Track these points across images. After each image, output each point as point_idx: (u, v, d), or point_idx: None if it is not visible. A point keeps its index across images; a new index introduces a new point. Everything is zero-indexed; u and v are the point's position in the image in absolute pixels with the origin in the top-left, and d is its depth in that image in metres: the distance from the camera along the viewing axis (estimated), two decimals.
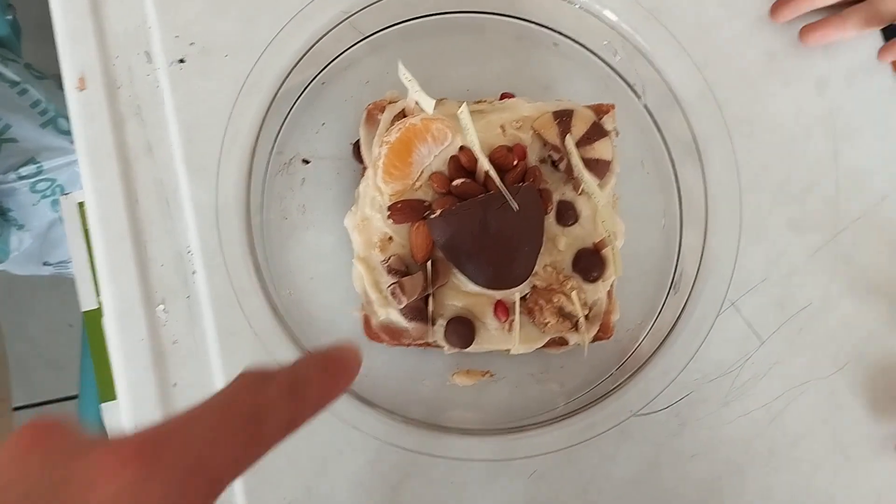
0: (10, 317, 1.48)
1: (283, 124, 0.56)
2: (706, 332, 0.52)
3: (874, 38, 0.63)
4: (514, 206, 0.50)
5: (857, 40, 0.62)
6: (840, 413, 0.59)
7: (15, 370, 1.46)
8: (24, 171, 0.87)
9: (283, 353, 0.51)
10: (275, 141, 0.56)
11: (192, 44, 0.58)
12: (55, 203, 0.92)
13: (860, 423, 0.59)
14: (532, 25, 0.58)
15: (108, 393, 0.66)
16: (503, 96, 0.57)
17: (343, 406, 0.51)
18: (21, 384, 1.47)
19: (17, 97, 0.86)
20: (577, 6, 0.55)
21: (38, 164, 0.88)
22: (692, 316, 0.53)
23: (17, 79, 0.86)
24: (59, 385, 1.48)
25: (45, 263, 1.04)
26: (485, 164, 0.51)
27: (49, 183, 0.90)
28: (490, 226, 0.50)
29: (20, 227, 0.94)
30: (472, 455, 0.52)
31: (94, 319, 0.60)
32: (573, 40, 0.58)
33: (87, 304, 0.69)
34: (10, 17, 0.89)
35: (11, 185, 0.89)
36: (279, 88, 0.53)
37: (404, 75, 0.49)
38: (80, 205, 0.71)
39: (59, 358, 1.48)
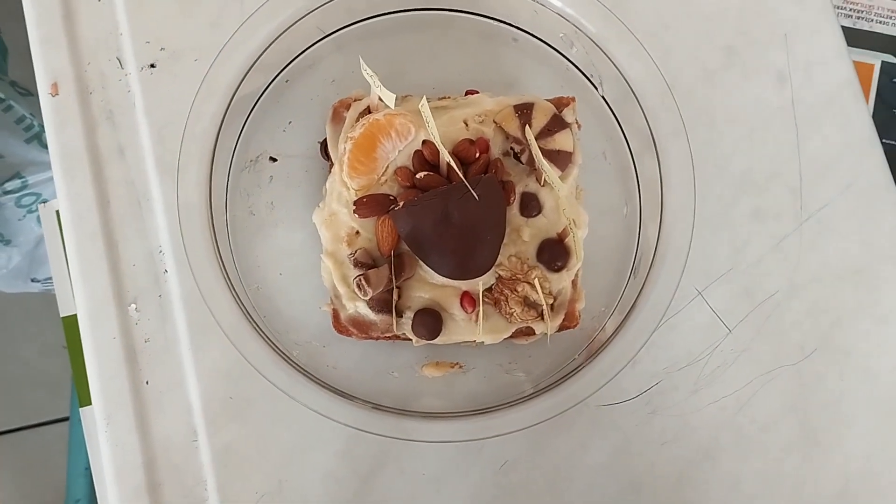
0: (2, 337, 1.48)
1: (245, 122, 0.57)
2: (661, 316, 0.53)
3: (834, 30, 0.64)
4: (475, 196, 0.51)
5: (817, 32, 0.63)
6: (808, 399, 0.59)
7: (6, 392, 1.47)
8: (9, 185, 0.89)
9: (250, 349, 0.52)
10: (237, 139, 0.57)
11: (162, 49, 0.60)
12: (41, 218, 0.93)
13: (828, 409, 0.59)
14: (493, 22, 0.59)
15: (86, 398, 0.66)
16: (468, 93, 0.58)
17: (313, 397, 0.52)
18: (13, 406, 1.47)
19: (1, 114, 0.88)
20: (534, 1, 0.57)
21: (23, 179, 0.89)
22: (648, 300, 0.53)
23: (1, 96, 0.87)
24: (52, 407, 1.48)
25: (33, 280, 1.05)
26: (446, 156, 0.51)
27: (34, 197, 0.92)
28: (452, 216, 0.51)
29: (7, 242, 0.96)
30: (440, 437, 0.52)
31: (72, 325, 0.61)
32: (532, 34, 0.59)
33: (66, 310, 0.70)
34: None
35: None
36: (238, 86, 0.55)
37: (366, 71, 0.50)
38: (58, 212, 0.72)
39: (50, 380, 1.48)
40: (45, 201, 0.91)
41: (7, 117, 0.88)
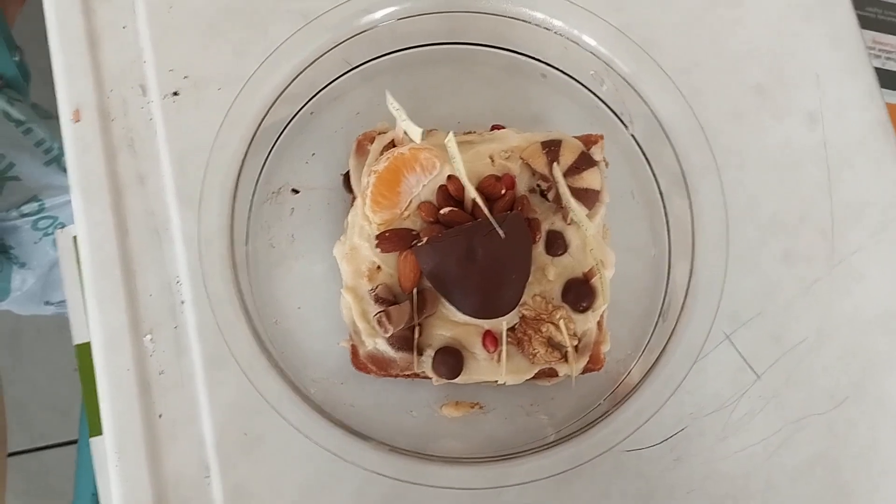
0: (13, 359, 1.47)
1: (269, 154, 0.57)
2: (692, 362, 0.51)
3: (866, 71, 0.63)
4: (501, 233, 0.50)
5: (849, 74, 0.62)
6: (839, 449, 0.57)
7: (17, 414, 1.46)
8: (25, 208, 0.89)
9: (266, 385, 0.51)
10: (261, 171, 0.56)
11: (185, 77, 0.59)
12: (57, 244, 0.92)
13: (860, 460, 0.57)
14: (522, 57, 0.59)
15: (96, 428, 0.65)
16: (493, 128, 0.57)
17: (328, 437, 0.51)
18: (23, 428, 1.46)
19: (21, 136, 0.88)
20: (565, 37, 0.56)
21: (40, 202, 0.89)
22: (679, 345, 0.52)
23: (22, 118, 0.87)
24: (61, 430, 1.47)
25: (47, 303, 1.05)
26: (471, 192, 0.50)
27: (51, 221, 0.91)
28: (476, 254, 0.50)
29: (22, 265, 0.95)
30: (458, 484, 0.50)
31: (85, 353, 0.60)
32: (561, 71, 0.58)
33: (80, 337, 0.69)
34: (17, 59, 0.91)
35: (13, 223, 0.90)
36: (263, 117, 0.54)
37: (392, 104, 0.50)
38: (75, 238, 0.71)
39: (61, 402, 1.47)
40: (62, 225, 0.91)
41: (27, 140, 0.88)
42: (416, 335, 0.52)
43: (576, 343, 0.53)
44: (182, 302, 0.56)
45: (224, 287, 0.51)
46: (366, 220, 0.53)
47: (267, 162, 0.57)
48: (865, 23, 0.82)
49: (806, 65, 0.63)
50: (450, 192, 0.53)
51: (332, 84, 0.58)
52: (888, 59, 0.82)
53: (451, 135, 0.50)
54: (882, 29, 0.82)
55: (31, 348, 1.47)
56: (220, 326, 0.51)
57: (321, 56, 0.55)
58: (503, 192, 0.53)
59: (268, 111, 0.54)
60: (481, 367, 0.52)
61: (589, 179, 0.54)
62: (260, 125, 0.54)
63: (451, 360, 0.52)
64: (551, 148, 0.54)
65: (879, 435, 0.58)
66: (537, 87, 0.60)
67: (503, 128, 0.57)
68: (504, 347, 0.52)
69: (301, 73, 0.55)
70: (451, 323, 0.53)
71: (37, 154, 0.88)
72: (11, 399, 1.45)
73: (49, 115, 0.92)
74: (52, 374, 1.46)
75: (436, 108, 0.60)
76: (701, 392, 0.57)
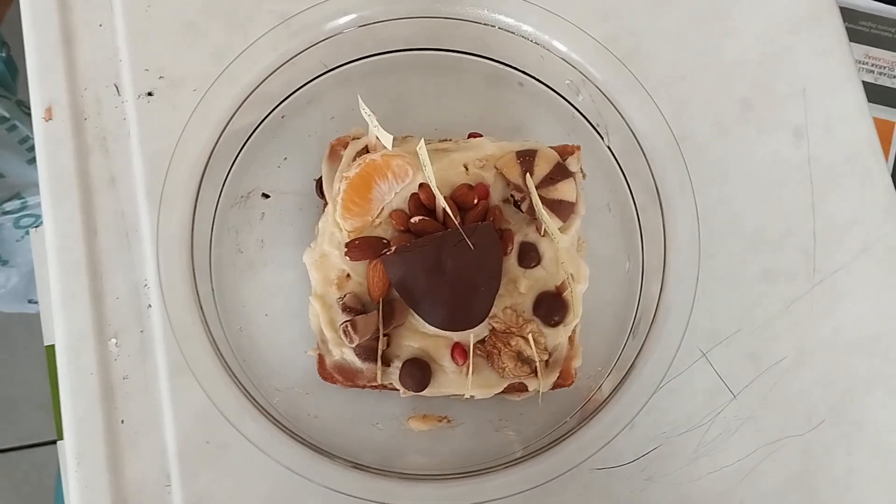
0: (2, 357, 1.47)
1: (237, 156, 0.55)
2: (661, 379, 0.50)
3: (855, 87, 0.62)
4: (470, 244, 0.49)
5: (837, 88, 0.61)
6: (815, 474, 0.56)
7: (4, 411, 1.45)
8: (7, 206, 0.88)
9: (224, 398, 0.50)
10: (228, 173, 0.55)
11: (161, 77, 0.58)
12: (32, 243, 0.92)
13: (836, 486, 0.56)
14: (500, 65, 0.57)
15: (61, 432, 0.64)
16: (471, 136, 0.56)
17: (289, 454, 0.49)
18: (8, 426, 1.45)
19: (5, 133, 0.87)
20: (541, 46, 0.55)
21: (22, 200, 0.88)
22: (648, 362, 0.50)
23: (6, 115, 0.86)
24: (49, 428, 1.46)
25: (31, 301, 1.04)
26: (441, 202, 0.49)
27: (33, 219, 0.90)
28: (445, 264, 0.49)
29: (4, 262, 0.94)
30: (423, 502, 0.49)
31: (54, 355, 0.59)
32: (537, 80, 0.57)
33: (50, 339, 0.68)
34: (3, 55, 0.90)
35: None
36: (230, 118, 0.53)
37: (364, 109, 0.49)
38: None
39: (48, 401, 1.46)
40: (40, 225, 0.90)
41: (11, 137, 0.87)
42: (383, 346, 0.51)
43: (546, 358, 0.52)
44: (149, 306, 0.55)
45: (183, 293, 0.50)
46: (336, 226, 0.52)
47: (236, 164, 0.56)
48: (858, 37, 0.81)
49: (794, 79, 0.62)
50: (421, 201, 0.52)
51: (307, 86, 0.57)
52: (881, 74, 0.81)
53: (422, 141, 0.49)
54: (875, 44, 0.81)
55: (18, 346, 1.46)
56: (176, 333, 0.50)
57: (295, 56, 0.54)
58: (476, 201, 0.52)
59: (235, 112, 0.53)
60: (449, 380, 0.51)
61: (564, 191, 0.52)
62: (227, 126, 0.53)
63: (418, 372, 0.51)
64: (526, 158, 0.53)
65: (856, 460, 0.56)
66: (517, 97, 0.59)
67: (481, 136, 0.55)
68: (472, 361, 0.51)
69: (273, 73, 0.53)
70: (420, 334, 0.52)
71: (20, 151, 0.87)
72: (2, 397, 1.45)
73: None
74: (40, 373, 1.45)
75: (413, 114, 0.59)
76: (675, 411, 0.56)
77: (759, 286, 0.58)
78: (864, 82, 0.63)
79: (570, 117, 0.58)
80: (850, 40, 0.64)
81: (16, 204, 0.88)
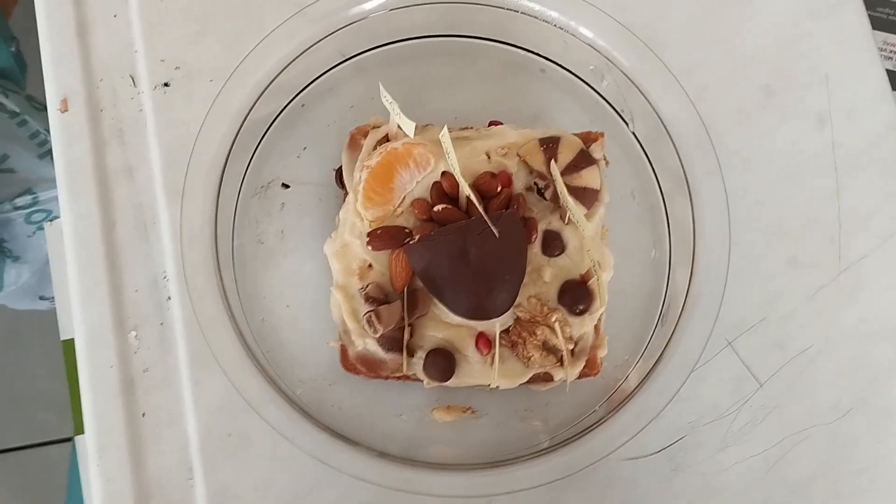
0: (10, 354, 1.46)
1: (257, 147, 0.55)
2: (691, 369, 0.49)
3: (877, 72, 0.61)
4: (495, 232, 0.48)
5: (859, 75, 0.61)
6: (843, 462, 0.55)
7: (15, 410, 1.45)
8: (19, 201, 0.87)
9: (248, 386, 0.49)
10: (248, 164, 0.55)
11: (177, 68, 0.58)
12: (46, 237, 0.91)
13: (864, 475, 0.55)
14: (521, 52, 0.57)
15: (80, 426, 0.64)
16: (491, 124, 0.56)
17: (313, 441, 0.49)
18: (19, 424, 1.45)
19: (16, 128, 0.86)
20: (564, 31, 0.54)
21: (34, 195, 0.87)
22: (677, 352, 0.50)
23: (17, 110, 0.86)
24: (58, 427, 1.46)
25: (42, 297, 1.04)
26: (466, 189, 0.49)
27: (45, 214, 0.90)
28: (470, 253, 0.49)
29: (16, 258, 0.94)
30: (447, 491, 0.49)
31: (71, 349, 0.58)
32: (561, 66, 0.56)
33: (66, 333, 0.68)
34: (13, 49, 0.90)
35: (7, 216, 0.88)
36: (250, 109, 0.52)
37: (385, 97, 0.48)
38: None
39: (58, 399, 1.46)
40: (56, 219, 0.89)
41: (21, 132, 0.86)
42: (407, 336, 0.50)
43: (572, 347, 0.51)
44: (168, 298, 0.55)
45: (207, 284, 0.50)
46: (357, 216, 0.51)
47: (255, 155, 0.55)
48: (876, 24, 0.80)
49: (815, 65, 0.61)
50: (444, 189, 0.51)
51: (325, 76, 0.56)
52: None
53: (445, 129, 0.48)
54: (893, 30, 0.80)
55: (28, 343, 1.46)
56: (202, 326, 0.49)
57: (312, 45, 0.53)
58: (499, 189, 0.51)
59: (255, 102, 0.52)
60: (474, 371, 0.51)
61: (588, 178, 0.52)
62: (247, 116, 0.52)
63: (442, 362, 0.50)
64: (549, 145, 0.52)
65: (884, 449, 0.56)
66: (537, 83, 0.58)
67: (501, 124, 0.55)
68: (497, 350, 0.50)
69: (291, 63, 0.53)
70: (444, 324, 0.51)
71: (31, 146, 0.87)
72: (8, 395, 1.45)
73: (44, 108, 0.90)
74: (50, 370, 1.45)
75: (432, 102, 0.58)
76: (701, 400, 0.55)
77: (784, 274, 0.58)
78: (886, 70, 0.62)
79: (594, 104, 0.57)
80: None
81: (27, 199, 0.87)
